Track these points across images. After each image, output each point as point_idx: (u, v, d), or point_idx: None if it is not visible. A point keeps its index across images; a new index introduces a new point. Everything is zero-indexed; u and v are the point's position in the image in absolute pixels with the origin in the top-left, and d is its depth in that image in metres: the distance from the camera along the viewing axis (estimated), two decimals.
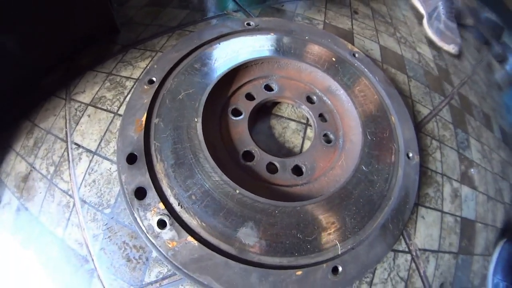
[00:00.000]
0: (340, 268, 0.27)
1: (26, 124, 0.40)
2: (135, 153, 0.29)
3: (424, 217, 0.38)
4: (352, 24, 0.59)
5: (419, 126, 0.48)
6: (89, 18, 0.42)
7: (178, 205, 0.28)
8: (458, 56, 0.75)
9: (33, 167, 0.37)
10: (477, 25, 0.93)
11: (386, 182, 0.32)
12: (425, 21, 0.78)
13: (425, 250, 0.36)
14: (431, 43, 0.72)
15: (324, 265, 0.27)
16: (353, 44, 0.53)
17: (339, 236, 0.28)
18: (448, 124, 0.54)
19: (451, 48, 0.73)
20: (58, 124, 0.38)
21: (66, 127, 0.37)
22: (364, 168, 0.32)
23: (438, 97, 0.57)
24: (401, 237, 0.34)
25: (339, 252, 0.27)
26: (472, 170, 0.50)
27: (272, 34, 0.41)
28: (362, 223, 0.29)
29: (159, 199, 0.27)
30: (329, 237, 0.28)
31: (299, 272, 0.27)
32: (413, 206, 0.35)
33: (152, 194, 0.27)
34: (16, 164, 0.38)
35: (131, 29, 0.49)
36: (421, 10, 0.79)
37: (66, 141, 0.37)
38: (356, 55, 0.43)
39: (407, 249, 0.35)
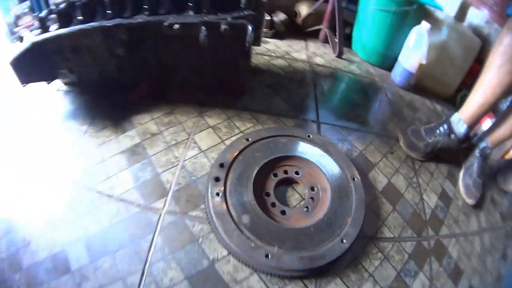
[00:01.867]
0: None
1: (166, 108, 0.82)
2: (224, 164, 0.70)
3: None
4: (379, 161, 0.86)
5: (373, 238, 0.70)
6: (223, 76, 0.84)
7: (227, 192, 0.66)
8: (467, 215, 0.87)
9: (162, 133, 0.79)
10: None
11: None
12: (461, 173, 0.94)
13: None
14: (443, 195, 0.88)
15: None
16: (368, 173, 0.80)
17: None
18: (403, 252, 0.73)
19: (470, 201, 0.87)
20: (188, 123, 0.81)
21: (192, 129, 0.81)
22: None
23: (411, 233, 0.76)
24: None
25: None
26: None
27: (313, 146, 0.75)
28: None
29: (223, 186, 0.66)
30: None
31: None
32: None
33: (221, 182, 0.66)
34: (150, 124, 0.80)
35: (253, 97, 0.92)
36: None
37: (189, 136, 0.81)
38: (355, 179, 0.71)
39: None
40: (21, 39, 1.98)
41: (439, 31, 1.19)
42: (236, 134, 0.79)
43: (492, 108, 0.84)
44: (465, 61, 1.22)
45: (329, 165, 0.74)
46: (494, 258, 0.88)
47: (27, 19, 2.09)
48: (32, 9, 1.87)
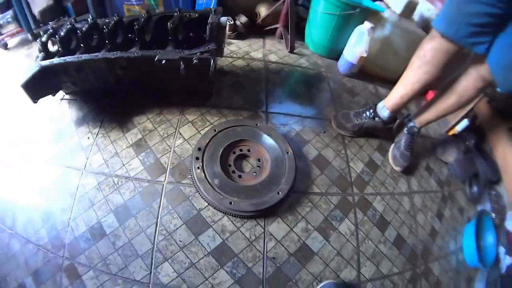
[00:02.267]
0: None
1: (157, 110, 1.21)
2: (201, 148, 1.14)
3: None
4: (313, 138, 1.24)
5: (304, 192, 1.07)
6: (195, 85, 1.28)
7: (204, 166, 1.11)
8: (395, 180, 1.33)
9: (156, 129, 1.16)
10: (455, 163, 1.43)
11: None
12: (391, 147, 1.38)
13: None
14: (370, 163, 1.29)
15: None
16: (302, 148, 1.18)
17: None
18: (330, 203, 1.17)
19: (397, 168, 1.32)
20: (174, 120, 1.18)
21: (177, 124, 1.20)
22: None
23: (336, 190, 1.21)
24: None
25: None
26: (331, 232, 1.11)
27: (259, 131, 1.20)
28: None
29: (201, 162, 1.10)
30: None
31: None
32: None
33: (200, 160, 1.09)
34: (146, 123, 1.15)
35: (218, 97, 1.36)
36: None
37: (175, 129, 1.23)
38: (288, 153, 1.16)
39: None
40: (5, 46, 2.45)
41: (382, 27, 1.55)
42: (207, 126, 1.18)
43: (411, 99, 1.17)
44: (408, 50, 1.54)
45: (270, 144, 1.12)
46: (426, 216, 1.24)
47: (10, 27, 2.49)
48: (15, 18, 2.29)
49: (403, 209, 1.22)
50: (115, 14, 1.22)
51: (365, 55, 1.48)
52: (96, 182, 1.06)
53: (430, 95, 1.60)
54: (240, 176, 1.08)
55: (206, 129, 1.18)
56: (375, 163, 1.29)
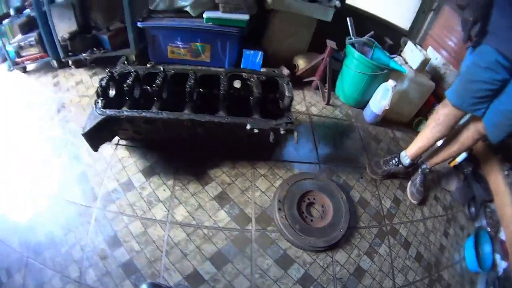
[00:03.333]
0: None
1: (230, 163, 1.56)
2: (280, 199, 1.57)
3: None
4: (355, 183, 1.69)
5: (355, 227, 1.56)
6: (266, 147, 1.70)
7: (285, 214, 1.55)
8: (413, 210, 1.86)
9: (234, 182, 1.52)
10: (456, 191, 1.99)
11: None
12: (409, 184, 1.90)
13: None
14: (395, 199, 1.83)
15: None
16: (349, 192, 1.65)
17: None
18: (372, 234, 1.67)
19: (414, 202, 1.84)
20: (248, 174, 1.56)
21: (252, 177, 1.57)
22: None
23: (375, 223, 1.70)
24: None
25: None
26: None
27: (319, 182, 1.65)
28: None
29: (283, 211, 1.55)
30: None
31: None
32: None
33: (282, 209, 1.55)
34: (223, 176, 1.51)
35: (279, 151, 1.78)
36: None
37: (252, 183, 1.62)
38: (342, 198, 1.62)
39: None
40: (24, 69, 2.71)
41: (402, 83, 1.99)
42: (278, 179, 1.56)
43: (426, 150, 1.64)
44: (421, 99, 2.01)
45: (329, 192, 1.54)
46: (436, 235, 1.64)
47: (33, 51, 2.49)
48: (39, 42, 2.33)
49: (419, 232, 1.73)
50: (191, 70, 1.47)
51: (388, 107, 1.95)
52: (184, 234, 1.23)
53: None
54: (311, 220, 1.52)
55: (278, 182, 1.59)
56: (398, 199, 1.79)
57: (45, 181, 1.47)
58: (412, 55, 2.00)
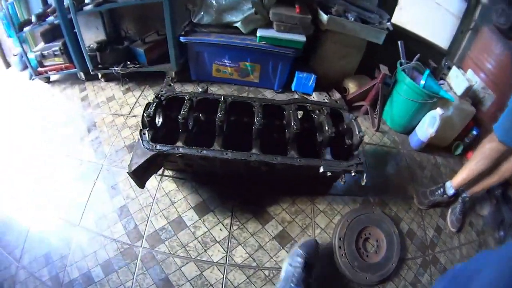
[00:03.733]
0: None
1: (289, 200, 1.62)
2: (340, 237, 1.66)
3: None
4: (404, 216, 1.84)
5: (404, 259, 1.71)
6: (325, 183, 1.76)
7: (345, 250, 1.65)
8: (451, 237, 2.01)
9: (294, 220, 1.58)
10: (488, 216, 2.15)
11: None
12: (449, 212, 2.03)
13: None
14: (437, 229, 1.97)
15: None
16: (399, 224, 1.75)
17: None
18: (417, 264, 1.81)
19: (453, 230, 1.99)
20: (307, 210, 1.62)
21: (311, 214, 1.67)
22: None
23: (420, 254, 1.84)
24: None
25: None
26: None
27: (374, 217, 1.74)
28: None
29: (343, 249, 1.64)
30: None
31: None
32: None
33: (342, 247, 1.65)
34: (283, 214, 1.57)
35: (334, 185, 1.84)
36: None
37: (311, 219, 1.71)
38: (395, 232, 1.73)
39: None
40: (47, 79, 2.64)
41: (447, 109, 2.02)
42: (336, 215, 1.65)
43: (470, 181, 1.75)
44: (461, 124, 2.06)
45: (383, 227, 1.66)
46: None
47: (57, 61, 2.35)
48: (65, 52, 2.19)
49: (456, 259, 1.88)
50: (254, 99, 1.45)
51: (434, 135, 2.01)
52: (244, 277, 1.22)
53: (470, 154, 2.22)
54: (367, 256, 1.64)
55: (336, 217, 1.66)
56: (440, 227, 1.91)
57: (77, 212, 1.43)
58: (457, 81, 2.03)
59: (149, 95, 2.08)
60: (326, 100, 1.93)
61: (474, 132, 2.14)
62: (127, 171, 1.08)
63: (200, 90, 1.52)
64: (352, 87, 2.02)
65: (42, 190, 1.55)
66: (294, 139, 1.37)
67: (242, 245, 1.32)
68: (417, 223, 1.82)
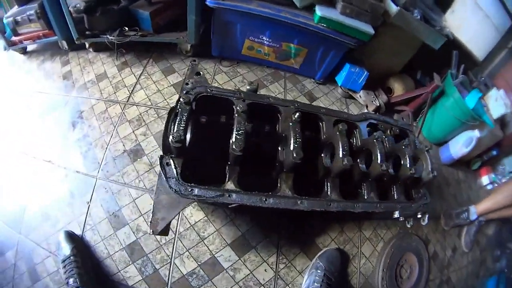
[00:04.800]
0: None
1: (337, 228, 1.51)
2: (385, 269, 1.59)
3: None
4: (432, 237, 1.89)
5: (429, 280, 1.81)
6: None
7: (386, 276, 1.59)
8: (462, 256, 2.14)
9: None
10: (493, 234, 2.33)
11: None
12: (464, 233, 2.13)
13: None
14: (454, 249, 2.07)
15: None
16: (428, 245, 1.79)
17: None
18: (436, 286, 1.90)
19: (466, 250, 2.10)
20: (355, 239, 1.52)
21: (359, 243, 1.51)
22: None
23: (439, 274, 1.93)
24: None
25: None
26: None
27: (416, 245, 1.71)
28: None
29: (385, 283, 1.58)
30: None
31: None
32: None
33: (384, 279, 1.58)
34: (332, 245, 1.51)
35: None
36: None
37: (358, 249, 1.61)
38: (427, 257, 1.75)
39: None
40: (24, 50, 2.17)
41: (481, 131, 1.99)
42: (380, 241, 1.54)
43: (493, 211, 1.85)
44: (487, 145, 2.11)
45: (417, 252, 1.65)
46: (472, 279, 2.03)
47: (34, 27, 1.68)
48: (42, 16, 1.57)
49: (463, 278, 2.02)
50: (322, 110, 1.19)
51: (466, 155, 2.02)
52: None
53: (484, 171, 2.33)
54: (401, 282, 1.62)
55: (380, 244, 1.58)
56: (456, 247, 2.00)
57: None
58: (495, 104, 2.02)
59: (154, 73, 1.60)
60: (375, 103, 1.72)
61: (494, 153, 2.23)
62: (150, 231, 0.81)
63: (248, 87, 1.16)
64: (397, 89, 1.84)
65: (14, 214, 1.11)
66: (376, 178, 1.18)
67: (290, 286, 1.19)
68: (441, 244, 1.86)
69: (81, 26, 1.49)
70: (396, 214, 1.17)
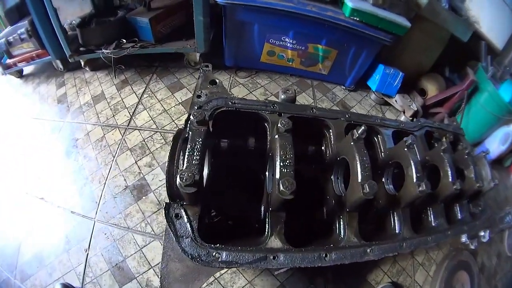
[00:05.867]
0: None
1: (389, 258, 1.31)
2: None
3: None
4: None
5: None
6: None
7: None
8: (506, 261, 1.88)
9: None
10: None
11: None
12: (506, 235, 1.88)
13: None
14: (499, 255, 1.82)
15: None
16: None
17: None
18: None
19: (510, 254, 1.85)
20: (408, 268, 1.28)
21: (412, 272, 1.26)
22: None
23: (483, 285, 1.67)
24: None
25: None
26: None
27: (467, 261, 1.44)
28: None
29: None
30: None
31: None
32: None
33: None
34: (385, 278, 1.29)
35: None
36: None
37: (412, 278, 1.34)
38: (477, 271, 1.48)
39: None
40: (20, 73, 1.89)
41: None
42: (433, 264, 1.31)
43: None
44: None
45: (469, 268, 1.43)
46: None
47: (26, 47, 1.45)
48: (33, 34, 1.31)
49: (509, 282, 1.77)
50: (346, 115, 0.88)
51: (503, 153, 1.76)
52: None
53: None
54: None
55: (432, 268, 1.33)
56: (500, 254, 1.77)
57: None
58: None
59: (159, 90, 1.31)
60: (412, 107, 1.45)
61: None
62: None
63: (283, 96, 0.87)
64: (431, 89, 1.58)
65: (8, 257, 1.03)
66: (446, 200, 0.94)
67: None
68: (487, 253, 1.60)
69: (74, 42, 1.23)
70: (464, 239, 0.91)
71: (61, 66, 1.37)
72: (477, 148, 1.88)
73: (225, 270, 0.96)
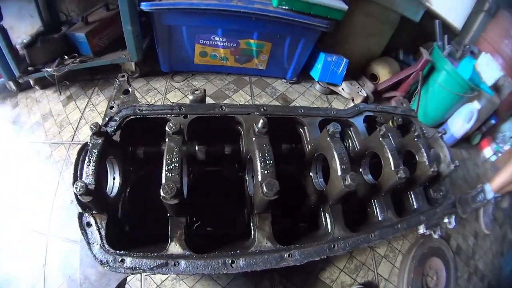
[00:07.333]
0: None
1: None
2: (412, 286, 1.15)
3: None
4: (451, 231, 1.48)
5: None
6: None
7: None
8: (484, 239, 1.70)
9: (355, 281, 1.14)
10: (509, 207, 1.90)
11: None
12: (481, 215, 1.70)
13: None
14: (475, 235, 1.64)
15: None
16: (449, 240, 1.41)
17: None
18: (465, 281, 1.48)
19: (487, 232, 1.67)
20: (368, 261, 1.15)
21: (373, 265, 1.12)
22: None
23: (468, 264, 1.50)
24: None
25: None
26: None
27: (439, 247, 1.28)
28: None
29: None
30: None
31: None
32: None
33: None
34: (341, 276, 1.15)
35: None
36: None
37: (374, 271, 1.19)
38: (451, 256, 1.32)
39: None
40: None
41: (479, 102, 1.62)
42: (398, 255, 1.19)
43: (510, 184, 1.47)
44: (486, 116, 1.75)
45: (441, 254, 1.29)
46: (498, 259, 1.66)
47: None
48: None
49: (489, 260, 1.63)
50: (261, 108, 0.77)
51: (469, 132, 1.59)
52: None
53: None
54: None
55: (398, 259, 1.19)
56: (477, 233, 1.64)
57: None
58: (487, 69, 1.65)
59: (99, 103, 1.21)
60: (362, 93, 1.30)
61: (493, 121, 1.88)
62: None
63: (191, 97, 0.75)
64: (383, 74, 1.45)
65: None
66: (390, 190, 0.80)
67: None
68: (462, 235, 1.48)
69: (24, 62, 1.13)
70: (422, 229, 0.77)
71: (14, 87, 1.31)
72: (439, 129, 1.72)
73: (166, 276, 0.88)
